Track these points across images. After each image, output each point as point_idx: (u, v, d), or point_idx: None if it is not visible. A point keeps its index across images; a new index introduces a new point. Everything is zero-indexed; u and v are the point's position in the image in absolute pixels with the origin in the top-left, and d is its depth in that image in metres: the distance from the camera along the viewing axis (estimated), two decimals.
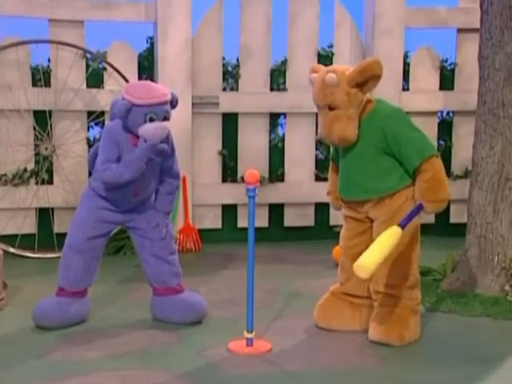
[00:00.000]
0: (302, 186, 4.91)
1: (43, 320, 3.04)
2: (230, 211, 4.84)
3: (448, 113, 5.13)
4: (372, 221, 2.98)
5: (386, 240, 2.73)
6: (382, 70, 2.84)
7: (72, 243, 3.06)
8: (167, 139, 3.00)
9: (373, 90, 2.90)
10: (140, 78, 4.71)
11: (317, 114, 3.13)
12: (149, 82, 3.08)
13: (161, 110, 2.92)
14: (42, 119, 4.51)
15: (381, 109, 2.92)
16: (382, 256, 2.69)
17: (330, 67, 2.98)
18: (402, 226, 2.78)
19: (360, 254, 2.99)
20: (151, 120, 2.90)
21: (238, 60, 4.80)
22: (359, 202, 2.96)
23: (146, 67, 4.74)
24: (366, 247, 2.94)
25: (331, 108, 2.86)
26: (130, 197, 3.03)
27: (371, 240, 2.93)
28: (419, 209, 2.85)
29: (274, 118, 4.91)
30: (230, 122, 4.79)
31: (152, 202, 3.14)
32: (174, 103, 2.99)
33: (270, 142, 4.91)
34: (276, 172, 4.91)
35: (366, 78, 2.83)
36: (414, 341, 2.93)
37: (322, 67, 3.00)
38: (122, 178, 2.91)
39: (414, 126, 2.92)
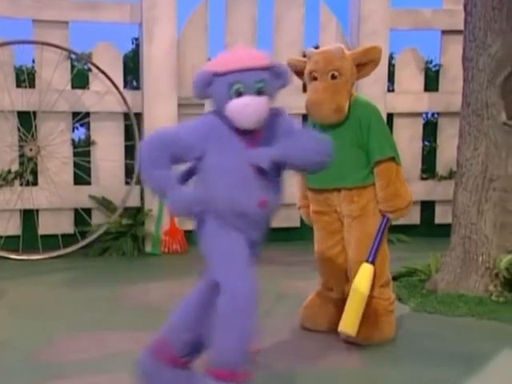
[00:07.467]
0: (286, 187, 4.89)
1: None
2: None
3: (433, 114, 5.17)
4: (341, 219, 2.99)
5: (363, 284, 2.84)
6: (380, 58, 2.92)
7: None
8: None
9: (366, 76, 2.96)
10: (125, 80, 4.70)
11: (305, 115, 3.13)
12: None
13: None
14: (26, 120, 4.48)
15: (361, 101, 2.96)
16: (361, 310, 2.83)
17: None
18: (371, 261, 2.87)
19: (335, 257, 3.01)
20: None
21: None
22: (330, 191, 2.97)
23: (132, 68, 4.73)
24: (339, 252, 2.97)
25: (334, 76, 2.87)
26: (256, 207, 2.26)
27: (342, 241, 2.98)
28: (386, 223, 2.91)
29: None
30: None
31: None
32: None
33: None
34: None
35: (367, 61, 2.90)
36: (384, 341, 2.93)
37: (300, 58, 3.06)
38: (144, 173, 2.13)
39: (385, 125, 2.97)
